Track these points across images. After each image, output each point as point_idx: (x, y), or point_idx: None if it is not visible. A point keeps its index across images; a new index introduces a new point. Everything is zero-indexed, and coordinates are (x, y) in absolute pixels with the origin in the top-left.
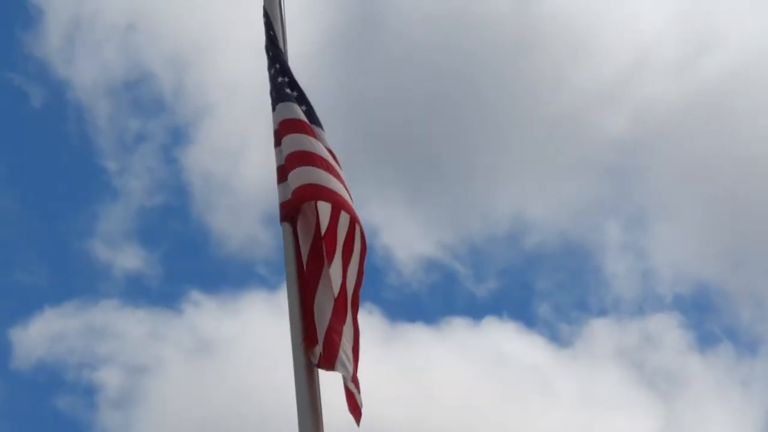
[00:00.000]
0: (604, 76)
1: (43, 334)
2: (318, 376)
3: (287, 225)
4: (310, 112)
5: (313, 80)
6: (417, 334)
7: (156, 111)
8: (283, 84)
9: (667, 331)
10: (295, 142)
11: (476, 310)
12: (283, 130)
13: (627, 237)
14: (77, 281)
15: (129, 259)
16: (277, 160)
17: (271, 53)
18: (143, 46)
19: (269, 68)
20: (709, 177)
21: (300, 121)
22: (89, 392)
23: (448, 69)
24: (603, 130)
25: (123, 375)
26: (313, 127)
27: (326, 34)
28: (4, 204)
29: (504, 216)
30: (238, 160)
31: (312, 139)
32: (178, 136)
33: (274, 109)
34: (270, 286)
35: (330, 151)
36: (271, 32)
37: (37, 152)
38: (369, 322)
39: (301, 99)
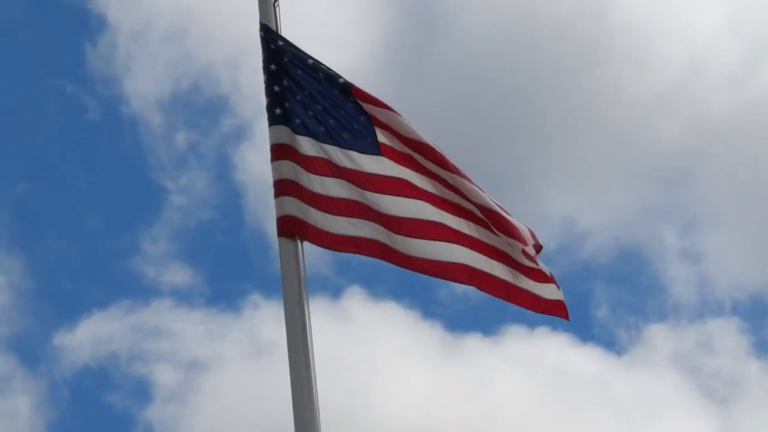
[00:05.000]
0: (660, 85)
1: (96, 334)
2: (315, 377)
3: (286, 240)
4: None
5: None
6: (475, 345)
7: (208, 118)
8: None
9: (725, 336)
10: (410, 207)
11: (531, 320)
12: (392, 188)
13: (683, 243)
14: (129, 288)
15: (184, 265)
16: (274, 176)
17: (285, 82)
18: (195, 51)
19: (283, 89)
20: (764, 184)
21: (407, 182)
22: (143, 387)
23: (504, 78)
24: (658, 137)
25: (177, 372)
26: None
27: (382, 44)
28: (55, 216)
29: (557, 225)
30: None
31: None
32: (233, 141)
33: (271, 125)
34: (331, 292)
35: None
36: (272, 46)
37: (94, 165)
38: (429, 335)
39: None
